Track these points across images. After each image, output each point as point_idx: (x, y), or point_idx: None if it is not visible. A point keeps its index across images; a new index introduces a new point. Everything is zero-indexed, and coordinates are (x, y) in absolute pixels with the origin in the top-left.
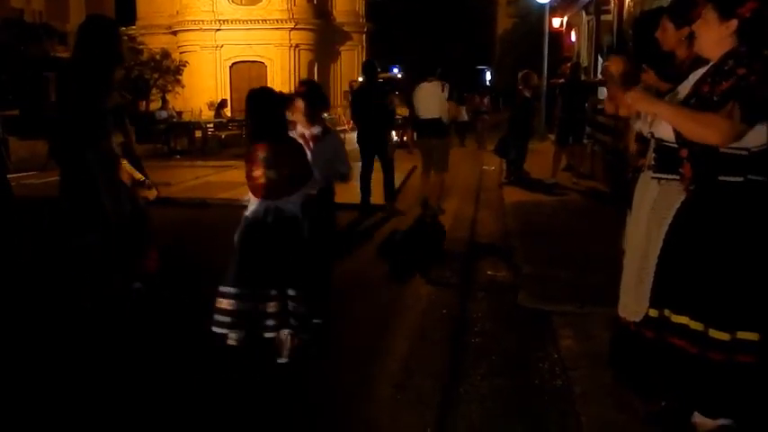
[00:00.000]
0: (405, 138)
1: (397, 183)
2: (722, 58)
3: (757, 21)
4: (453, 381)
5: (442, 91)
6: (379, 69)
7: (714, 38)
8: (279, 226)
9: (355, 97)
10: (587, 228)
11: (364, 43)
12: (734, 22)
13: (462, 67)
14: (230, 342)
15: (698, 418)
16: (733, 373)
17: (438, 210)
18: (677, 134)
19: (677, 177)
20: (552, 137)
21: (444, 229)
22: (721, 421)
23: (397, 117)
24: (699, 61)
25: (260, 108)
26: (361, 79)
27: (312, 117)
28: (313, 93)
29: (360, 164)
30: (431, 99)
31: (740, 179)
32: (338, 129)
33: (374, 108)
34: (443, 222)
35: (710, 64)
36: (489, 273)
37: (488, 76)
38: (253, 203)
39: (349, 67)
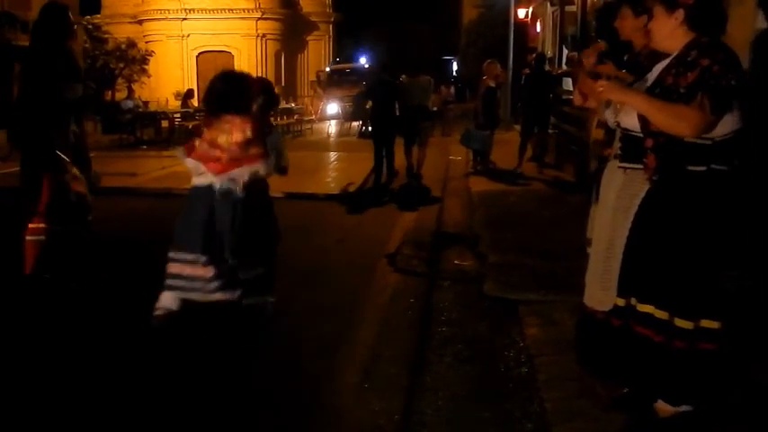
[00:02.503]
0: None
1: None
2: (684, 48)
3: (702, 6)
4: (420, 368)
5: (429, 84)
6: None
7: (666, 31)
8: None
9: (372, 94)
10: (552, 216)
11: (331, 33)
12: (680, 12)
13: (430, 58)
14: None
15: (660, 403)
16: (695, 361)
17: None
18: (642, 124)
19: (642, 167)
20: (518, 127)
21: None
22: (682, 407)
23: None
24: (656, 52)
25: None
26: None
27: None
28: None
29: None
30: (420, 90)
31: (704, 168)
32: (306, 119)
33: (390, 104)
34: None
35: (673, 55)
36: (456, 262)
37: (455, 66)
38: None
39: (316, 57)
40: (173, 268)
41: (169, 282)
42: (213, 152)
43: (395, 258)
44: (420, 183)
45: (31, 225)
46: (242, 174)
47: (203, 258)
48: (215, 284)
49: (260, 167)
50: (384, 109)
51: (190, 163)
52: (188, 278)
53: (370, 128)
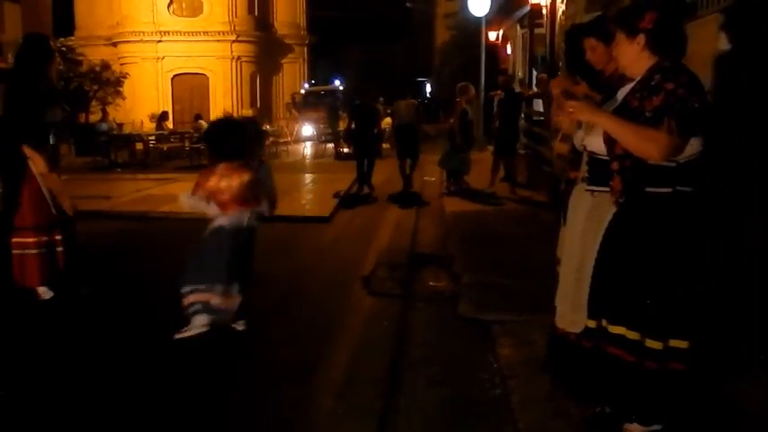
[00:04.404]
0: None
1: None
2: (648, 72)
3: (662, 29)
4: (395, 390)
5: (414, 106)
6: (313, 81)
7: (630, 56)
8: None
9: (354, 116)
10: (525, 236)
11: (306, 55)
12: (641, 37)
13: (404, 79)
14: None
15: (630, 423)
16: (665, 381)
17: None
18: (608, 148)
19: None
20: (491, 147)
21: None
22: (653, 426)
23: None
24: (625, 75)
25: (222, 135)
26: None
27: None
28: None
29: None
30: (407, 111)
31: (669, 190)
32: (281, 140)
33: (371, 124)
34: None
35: (637, 79)
36: (430, 283)
37: (428, 87)
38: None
39: (291, 80)
40: (198, 297)
41: (196, 308)
42: (222, 194)
43: (369, 280)
44: (412, 190)
45: (57, 237)
46: (246, 214)
47: (233, 289)
48: (236, 313)
49: (263, 209)
50: (366, 129)
51: (192, 200)
52: (214, 307)
53: (345, 149)
